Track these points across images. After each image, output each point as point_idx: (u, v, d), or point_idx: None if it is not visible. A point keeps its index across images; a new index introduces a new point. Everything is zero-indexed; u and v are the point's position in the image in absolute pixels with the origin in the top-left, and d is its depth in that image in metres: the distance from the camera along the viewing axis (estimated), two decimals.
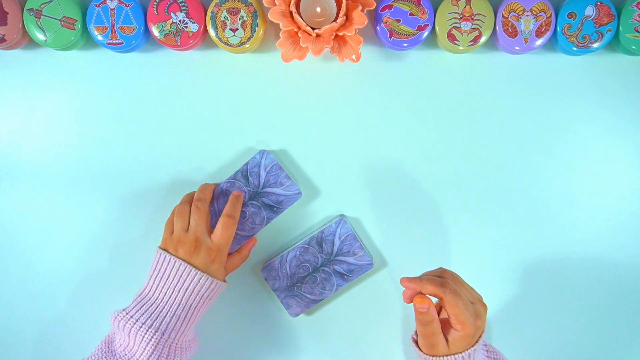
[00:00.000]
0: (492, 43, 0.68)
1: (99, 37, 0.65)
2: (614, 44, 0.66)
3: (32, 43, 0.68)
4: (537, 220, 0.70)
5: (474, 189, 0.70)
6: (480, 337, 0.58)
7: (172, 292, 0.62)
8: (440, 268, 0.60)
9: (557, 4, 0.65)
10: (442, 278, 0.57)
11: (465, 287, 0.59)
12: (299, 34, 0.62)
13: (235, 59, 0.69)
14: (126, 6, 0.64)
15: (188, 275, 0.62)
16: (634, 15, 0.64)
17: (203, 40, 0.67)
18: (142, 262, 0.71)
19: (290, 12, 0.63)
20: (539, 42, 0.64)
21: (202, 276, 0.62)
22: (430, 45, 0.68)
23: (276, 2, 0.62)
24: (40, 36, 0.64)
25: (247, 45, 0.65)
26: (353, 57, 0.64)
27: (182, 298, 0.61)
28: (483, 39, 0.64)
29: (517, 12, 0.64)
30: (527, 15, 0.64)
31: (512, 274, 0.71)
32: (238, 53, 0.67)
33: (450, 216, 0.70)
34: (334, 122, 0.69)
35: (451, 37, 0.64)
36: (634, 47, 0.64)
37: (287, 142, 0.70)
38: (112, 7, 0.64)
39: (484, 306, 0.59)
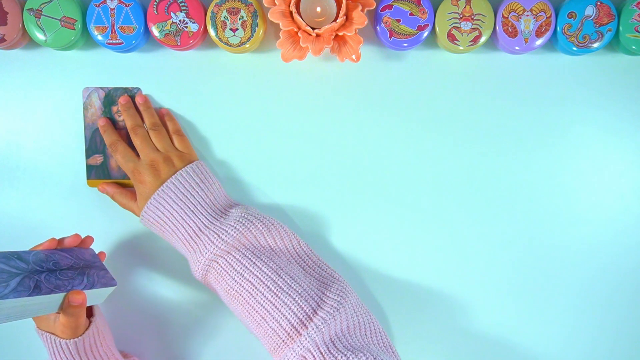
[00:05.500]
0: (492, 43, 0.68)
1: (99, 37, 0.65)
2: (614, 44, 0.66)
3: (32, 43, 0.68)
4: (536, 221, 0.70)
5: (474, 189, 0.70)
6: None
7: None
8: None
9: (557, 4, 0.65)
10: None
11: None
12: (299, 34, 0.62)
13: (235, 59, 0.69)
14: (126, 6, 0.64)
15: None
16: (634, 15, 0.64)
17: (203, 40, 0.67)
18: (141, 261, 0.71)
19: (290, 12, 0.63)
20: (539, 42, 0.64)
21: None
22: (430, 45, 0.68)
23: (276, 2, 0.62)
24: (40, 36, 0.64)
25: (247, 45, 0.65)
26: (353, 57, 0.64)
27: None
28: (483, 39, 0.64)
29: (517, 12, 0.64)
30: (527, 15, 0.64)
31: (512, 275, 0.71)
32: (238, 53, 0.67)
33: (449, 216, 0.70)
34: (333, 122, 0.69)
35: (451, 37, 0.64)
36: (634, 47, 0.64)
37: (287, 142, 0.70)
38: (112, 7, 0.64)
39: None
